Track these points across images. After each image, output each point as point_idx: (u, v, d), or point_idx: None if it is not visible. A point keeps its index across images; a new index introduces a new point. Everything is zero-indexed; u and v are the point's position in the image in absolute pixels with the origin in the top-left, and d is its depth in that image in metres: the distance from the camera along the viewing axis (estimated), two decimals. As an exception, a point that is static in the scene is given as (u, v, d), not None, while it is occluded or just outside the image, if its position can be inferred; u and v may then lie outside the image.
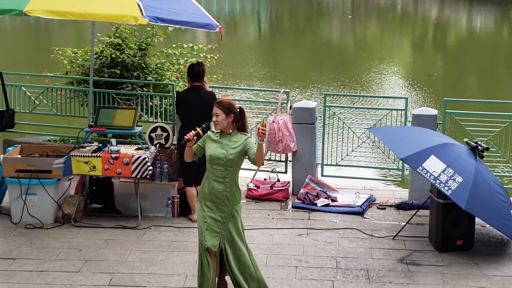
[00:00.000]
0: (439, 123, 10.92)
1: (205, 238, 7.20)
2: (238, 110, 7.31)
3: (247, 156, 7.24)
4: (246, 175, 11.29)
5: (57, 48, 13.16)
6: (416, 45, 37.50)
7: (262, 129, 6.92)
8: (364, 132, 11.65)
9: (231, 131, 7.30)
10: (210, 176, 7.26)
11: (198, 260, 7.41)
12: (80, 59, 12.95)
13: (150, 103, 12.14)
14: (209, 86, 11.71)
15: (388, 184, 12.47)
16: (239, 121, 7.32)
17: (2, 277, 8.14)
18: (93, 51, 10.93)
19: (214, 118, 7.24)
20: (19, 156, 10.10)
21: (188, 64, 10.90)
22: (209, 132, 7.39)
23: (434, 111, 10.96)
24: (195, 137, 7.25)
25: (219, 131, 7.31)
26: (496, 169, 11.23)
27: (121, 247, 9.06)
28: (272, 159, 11.87)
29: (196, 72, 9.94)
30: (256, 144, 7.07)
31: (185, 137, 7.24)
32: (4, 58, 29.00)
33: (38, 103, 12.71)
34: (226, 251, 7.27)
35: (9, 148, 10.47)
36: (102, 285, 7.96)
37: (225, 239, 7.25)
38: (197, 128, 7.29)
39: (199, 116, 9.39)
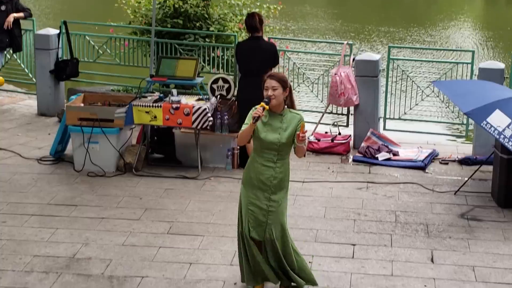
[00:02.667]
0: (506, 77, 10.70)
1: (249, 227, 6.58)
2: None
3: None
4: (307, 128, 11.19)
5: (121, -3, 13.27)
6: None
7: (302, 136, 6.32)
8: (428, 86, 11.49)
9: (284, 109, 6.55)
10: (259, 160, 6.54)
11: (239, 250, 6.81)
12: (143, 9, 13.00)
13: (212, 54, 12.15)
14: (272, 38, 11.70)
15: (452, 139, 12.31)
16: (287, 98, 6.57)
17: (64, 223, 8.33)
18: (155, 1, 10.95)
19: (270, 92, 6.43)
20: (82, 104, 10.26)
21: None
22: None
23: (501, 65, 10.75)
24: (263, 113, 6.41)
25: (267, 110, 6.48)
26: None
27: (181, 197, 9.17)
28: (333, 112, 11.81)
29: (248, 25, 9.92)
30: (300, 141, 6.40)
31: (254, 114, 6.33)
32: (70, 8, 29.36)
33: (101, 52, 12.85)
34: (272, 242, 6.60)
35: (72, 97, 10.64)
36: (161, 233, 8.09)
37: (271, 228, 6.57)
38: (262, 103, 6.40)
39: (258, 67, 9.35)
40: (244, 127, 6.52)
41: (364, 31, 24.98)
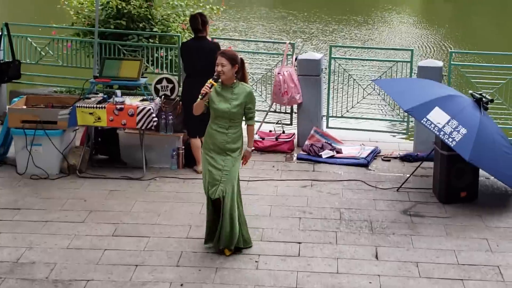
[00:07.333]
0: (445, 75, 10.75)
1: (208, 186, 7.32)
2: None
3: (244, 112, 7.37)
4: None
5: (63, -1, 13.02)
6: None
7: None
8: (370, 84, 11.51)
9: (234, 81, 7.28)
10: (214, 126, 7.31)
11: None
12: (86, 10, 12.81)
13: (156, 55, 12.01)
14: (214, 38, 11.59)
15: (393, 136, 12.36)
16: (239, 72, 7.31)
17: (7, 227, 8.10)
18: (98, 2, 10.75)
19: (219, 68, 7.17)
20: (25, 107, 10.01)
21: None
22: None
23: (439, 63, 10.81)
24: (211, 90, 7.18)
25: (220, 82, 7.27)
26: (501, 121, 11.08)
27: (126, 198, 9.01)
28: (277, 111, 11.75)
29: (192, 26, 9.83)
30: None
31: (202, 91, 7.13)
32: (11, 9, 28.80)
33: (44, 54, 12.60)
34: (224, 199, 7.31)
35: (14, 99, 10.39)
36: (106, 235, 7.92)
37: (224, 186, 7.27)
38: (210, 80, 7.18)
39: (203, 66, 9.27)
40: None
41: (305, 30, 25.02)
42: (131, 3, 12.32)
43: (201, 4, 12.99)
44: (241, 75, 7.35)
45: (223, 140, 7.27)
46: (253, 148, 7.62)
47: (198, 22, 9.76)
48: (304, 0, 33.76)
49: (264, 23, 27.14)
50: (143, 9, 12.35)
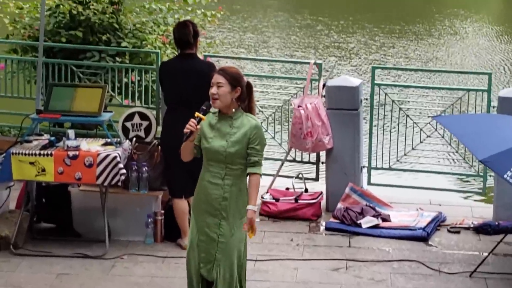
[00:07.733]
0: (537, 110, 10.80)
1: (200, 263, 7.28)
2: (246, 84, 7.28)
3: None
4: (262, 183, 11.17)
5: (-6, 3, 13.19)
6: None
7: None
8: (430, 122, 11.52)
9: (233, 110, 7.24)
10: (206, 176, 7.28)
11: None
12: (26, 18, 12.92)
13: (125, 80, 12.08)
14: (209, 55, 11.67)
15: (465, 198, 12.36)
16: (244, 100, 7.28)
17: None
18: (44, 6, 10.85)
19: (214, 90, 7.15)
20: None
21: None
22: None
23: (529, 93, 10.86)
24: (198, 127, 7.15)
25: (217, 111, 7.24)
26: None
27: (80, 285, 9.02)
28: (297, 160, 11.77)
29: (177, 38, 9.85)
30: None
31: (185, 130, 7.11)
32: None
33: (-33, 78, 12.73)
34: (217, 283, 7.24)
35: None
36: None
37: (219, 266, 7.23)
38: (196, 113, 7.13)
39: (192, 96, 9.32)
40: None
41: (335, 45, 25.18)
42: (91, 7, 12.42)
43: (189, 9, 13.09)
44: (247, 106, 7.32)
45: (217, 196, 7.20)
46: (256, 206, 7.29)
47: (189, 33, 9.79)
48: (340, 4, 34.05)
49: (282, 34, 27.38)
50: (107, 16, 12.46)
